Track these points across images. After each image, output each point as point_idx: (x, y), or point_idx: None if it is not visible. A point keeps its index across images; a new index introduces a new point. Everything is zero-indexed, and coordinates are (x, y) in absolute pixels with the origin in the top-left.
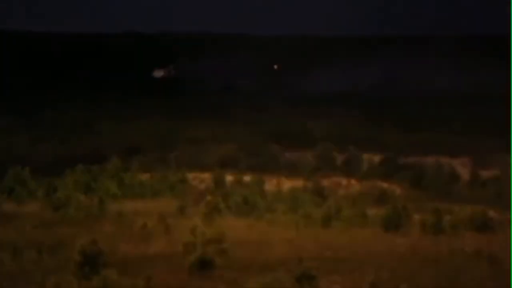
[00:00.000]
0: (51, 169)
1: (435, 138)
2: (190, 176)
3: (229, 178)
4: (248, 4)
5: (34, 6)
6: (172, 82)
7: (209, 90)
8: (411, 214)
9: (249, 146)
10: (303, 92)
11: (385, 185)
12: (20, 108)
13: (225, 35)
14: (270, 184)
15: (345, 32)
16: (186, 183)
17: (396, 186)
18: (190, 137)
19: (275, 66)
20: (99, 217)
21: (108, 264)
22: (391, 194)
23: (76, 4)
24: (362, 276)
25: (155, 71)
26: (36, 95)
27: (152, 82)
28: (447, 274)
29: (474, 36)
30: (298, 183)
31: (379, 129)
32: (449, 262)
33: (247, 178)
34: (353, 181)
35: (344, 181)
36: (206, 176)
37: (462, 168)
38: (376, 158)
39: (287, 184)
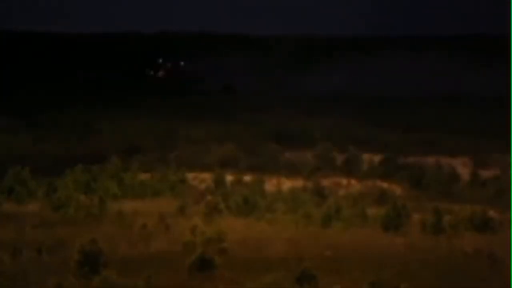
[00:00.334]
0: (51, 169)
1: (435, 138)
2: (190, 176)
3: (229, 178)
4: (248, 4)
5: (34, 6)
6: (172, 82)
7: (209, 90)
8: (411, 214)
9: (249, 146)
10: (303, 92)
11: (385, 185)
12: (20, 108)
13: (225, 35)
14: (270, 184)
15: (345, 32)
16: (186, 183)
17: (396, 186)
18: (190, 137)
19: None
20: (99, 217)
21: (108, 264)
22: (391, 194)
23: (76, 4)
24: (362, 276)
25: (159, 71)
26: (36, 95)
27: (152, 82)
28: (447, 274)
29: (474, 36)
30: (298, 183)
31: (379, 129)
32: (449, 262)
33: (247, 178)
34: (353, 181)
35: (344, 181)
36: (206, 176)
37: (462, 168)
38: (376, 158)
39: (287, 184)
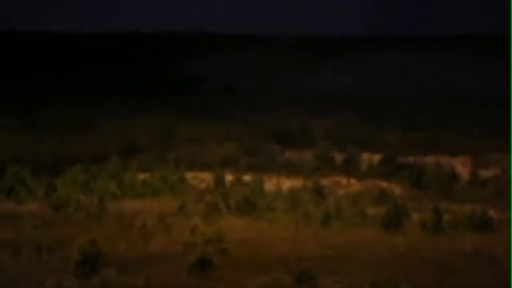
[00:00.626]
0: (50, 169)
1: (435, 138)
2: (190, 175)
3: (229, 177)
4: (249, 4)
5: (33, 6)
6: (172, 82)
7: (209, 90)
8: (411, 214)
9: (249, 146)
10: (303, 92)
11: (384, 184)
12: (20, 108)
13: (225, 35)
14: (270, 184)
15: (345, 32)
16: (186, 183)
17: (396, 185)
18: (190, 137)
19: None
20: (99, 217)
21: (107, 263)
22: (391, 193)
23: (76, 4)
24: (362, 276)
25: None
26: (36, 95)
27: (152, 82)
28: (447, 273)
29: (474, 36)
30: (298, 182)
31: (379, 129)
32: (449, 262)
33: (247, 177)
34: (352, 181)
35: (343, 181)
36: (206, 175)
37: (462, 167)
38: (376, 158)
39: (287, 183)
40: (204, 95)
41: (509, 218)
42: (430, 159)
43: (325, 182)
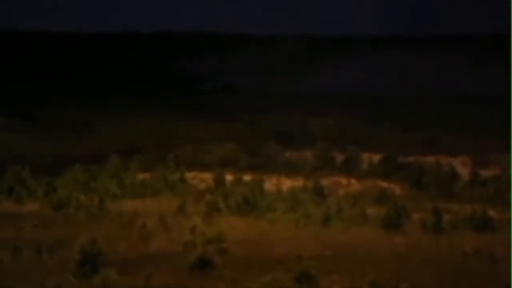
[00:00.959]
0: (50, 169)
1: (435, 138)
2: (190, 175)
3: (229, 177)
4: (248, 4)
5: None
6: (172, 82)
7: (209, 90)
8: (411, 214)
9: (249, 146)
10: (303, 92)
11: (384, 184)
12: (20, 107)
13: (225, 35)
14: (270, 184)
15: (345, 32)
16: (186, 183)
17: (396, 185)
18: (190, 137)
19: None
20: (99, 217)
21: (107, 263)
22: (391, 193)
23: (75, 4)
24: (362, 276)
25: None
26: (36, 95)
27: (152, 82)
28: (447, 273)
29: (474, 36)
30: (298, 182)
31: (379, 129)
32: (449, 262)
33: (247, 177)
34: (352, 181)
35: (344, 181)
36: (206, 175)
37: (462, 167)
38: (376, 158)
39: (287, 183)
40: (204, 95)
41: (509, 218)
42: (430, 159)
43: (325, 182)
